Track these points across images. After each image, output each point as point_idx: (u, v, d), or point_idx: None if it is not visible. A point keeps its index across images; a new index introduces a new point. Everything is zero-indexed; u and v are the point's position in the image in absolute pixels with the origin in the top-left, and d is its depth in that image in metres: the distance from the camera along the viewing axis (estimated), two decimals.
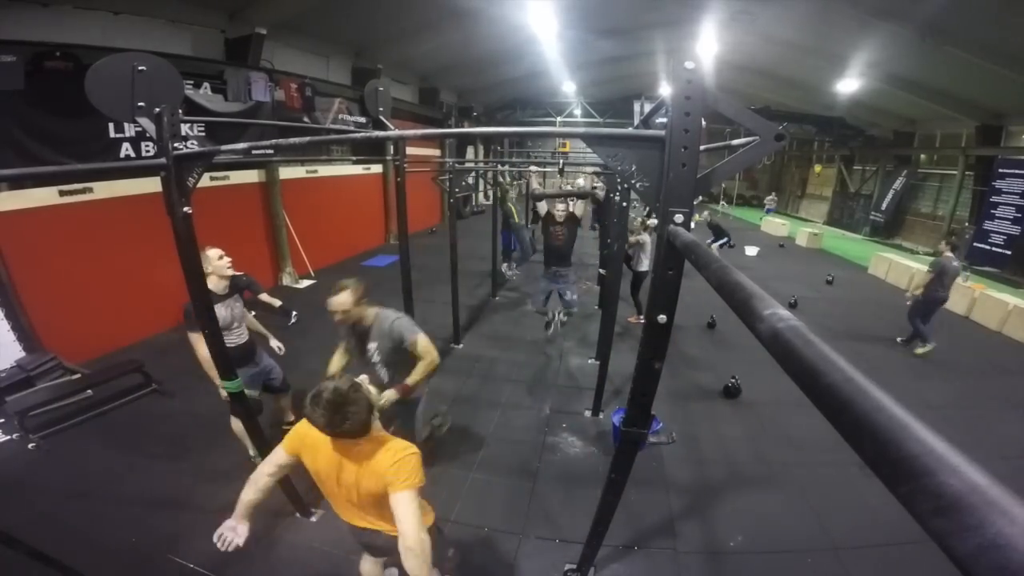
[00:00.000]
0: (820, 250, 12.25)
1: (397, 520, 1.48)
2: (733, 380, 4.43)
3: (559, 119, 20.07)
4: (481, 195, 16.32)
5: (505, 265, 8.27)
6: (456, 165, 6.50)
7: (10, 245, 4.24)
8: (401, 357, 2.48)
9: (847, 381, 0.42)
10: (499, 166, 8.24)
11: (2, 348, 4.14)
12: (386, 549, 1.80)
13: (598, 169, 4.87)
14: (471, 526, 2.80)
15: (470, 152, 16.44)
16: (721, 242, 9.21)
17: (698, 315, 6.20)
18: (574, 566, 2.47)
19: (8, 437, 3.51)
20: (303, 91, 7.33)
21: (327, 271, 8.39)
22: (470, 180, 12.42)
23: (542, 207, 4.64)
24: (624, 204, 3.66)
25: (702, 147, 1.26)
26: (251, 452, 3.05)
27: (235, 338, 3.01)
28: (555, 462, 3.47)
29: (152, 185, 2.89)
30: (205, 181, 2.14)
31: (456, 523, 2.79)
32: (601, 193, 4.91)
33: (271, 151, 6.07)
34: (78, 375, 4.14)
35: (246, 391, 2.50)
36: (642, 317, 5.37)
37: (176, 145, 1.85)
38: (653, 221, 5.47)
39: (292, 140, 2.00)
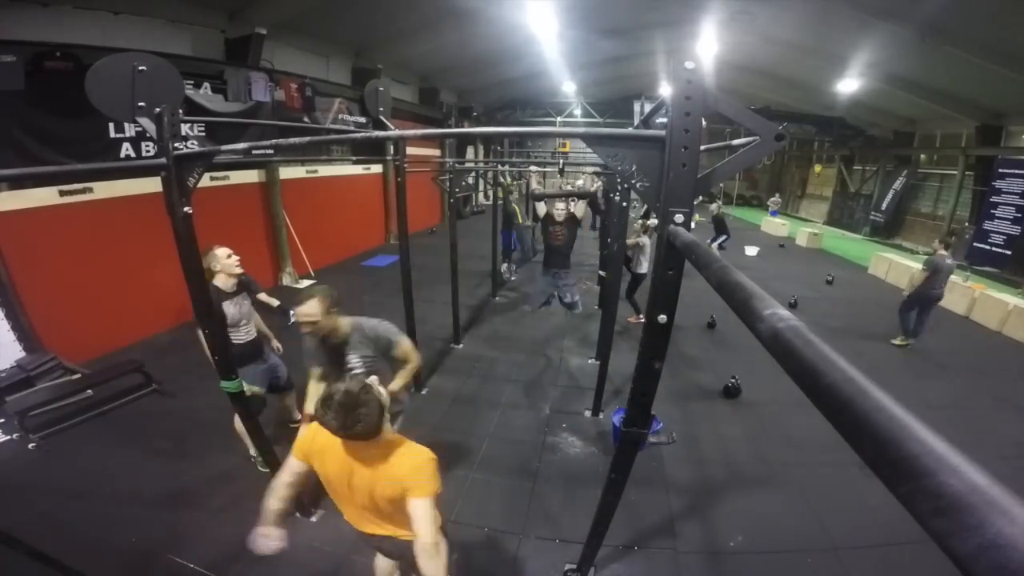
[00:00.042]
0: (820, 250, 12.26)
1: (414, 523, 1.48)
2: (733, 380, 4.43)
3: (559, 119, 20.06)
4: (481, 195, 16.33)
5: (504, 266, 8.27)
6: (456, 165, 6.51)
7: (10, 245, 4.24)
8: (385, 365, 2.42)
9: (847, 381, 0.42)
10: (499, 166, 8.25)
11: (2, 348, 4.14)
12: (397, 553, 1.80)
13: (598, 169, 4.87)
14: (471, 526, 2.80)
15: (470, 152, 16.45)
16: (721, 239, 9.26)
17: (698, 315, 6.20)
18: (574, 566, 2.47)
19: (8, 437, 3.52)
20: (303, 91, 7.33)
21: (327, 271, 8.39)
22: (470, 180, 12.49)
23: (541, 207, 4.62)
24: (624, 204, 3.66)
25: (702, 147, 1.26)
26: (252, 452, 3.05)
27: (243, 335, 3.04)
28: (555, 462, 3.47)
29: (152, 185, 2.90)
30: (205, 181, 2.13)
31: (456, 523, 2.78)
32: (599, 192, 4.89)
33: (271, 151, 6.08)
34: (78, 375, 4.14)
35: (254, 388, 2.51)
36: (642, 317, 5.37)
37: (176, 145, 1.85)
38: (653, 221, 5.47)
39: (292, 140, 2.00)
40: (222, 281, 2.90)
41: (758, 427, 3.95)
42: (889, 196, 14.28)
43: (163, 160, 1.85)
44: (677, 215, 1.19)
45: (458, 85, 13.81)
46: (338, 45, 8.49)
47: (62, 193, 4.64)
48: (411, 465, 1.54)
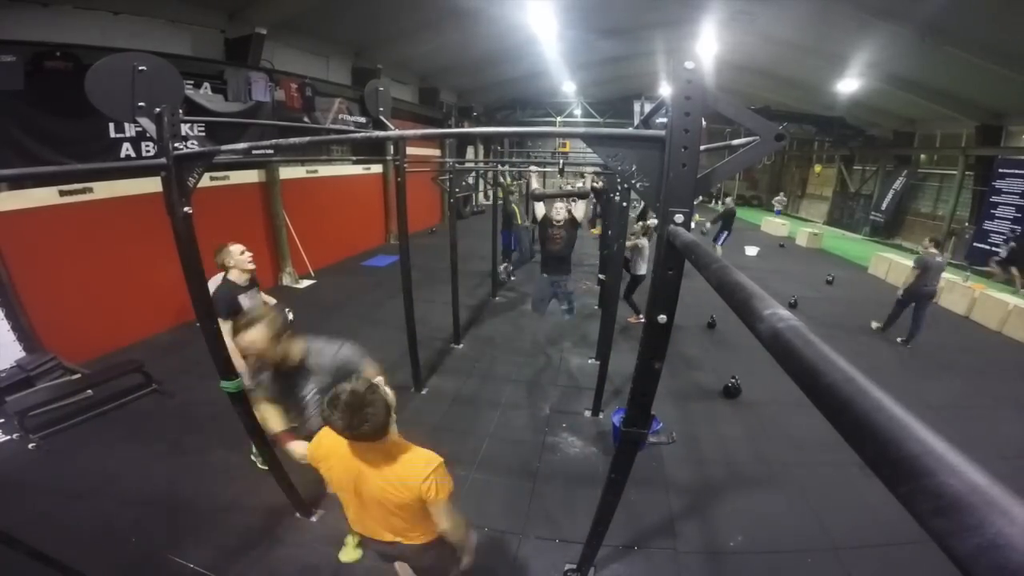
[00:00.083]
0: (820, 250, 12.26)
1: (437, 522, 1.60)
2: (733, 380, 4.43)
3: (559, 119, 20.06)
4: (481, 195, 16.32)
5: (503, 266, 8.26)
6: (456, 165, 6.50)
7: (10, 245, 4.24)
8: None
9: (847, 381, 0.42)
10: (499, 166, 8.25)
11: (2, 348, 4.13)
12: (405, 556, 1.80)
13: (598, 169, 4.87)
14: (471, 526, 2.80)
15: (470, 152, 16.44)
16: (724, 237, 9.29)
17: (698, 315, 6.20)
18: (574, 566, 2.47)
19: (8, 437, 3.51)
20: (303, 91, 7.33)
21: (327, 271, 8.40)
22: (470, 180, 12.48)
23: (540, 209, 4.56)
24: (624, 204, 3.66)
25: (702, 147, 1.26)
26: (252, 452, 3.05)
27: None
28: (555, 462, 3.47)
29: (152, 185, 2.90)
30: (205, 181, 2.14)
31: None
32: (597, 184, 4.87)
33: (271, 151, 6.07)
34: (78, 375, 4.13)
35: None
36: (642, 317, 5.37)
37: (176, 145, 1.85)
38: (653, 222, 5.47)
39: (292, 140, 2.00)
40: (235, 276, 3.06)
41: (758, 427, 3.95)
42: (889, 196, 14.29)
43: (163, 160, 1.85)
44: (677, 215, 1.19)
45: (458, 85, 13.80)
46: (338, 45, 8.49)
47: (62, 193, 4.64)
48: (424, 473, 1.52)
